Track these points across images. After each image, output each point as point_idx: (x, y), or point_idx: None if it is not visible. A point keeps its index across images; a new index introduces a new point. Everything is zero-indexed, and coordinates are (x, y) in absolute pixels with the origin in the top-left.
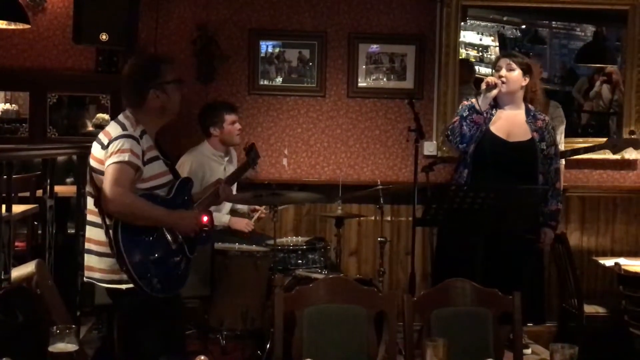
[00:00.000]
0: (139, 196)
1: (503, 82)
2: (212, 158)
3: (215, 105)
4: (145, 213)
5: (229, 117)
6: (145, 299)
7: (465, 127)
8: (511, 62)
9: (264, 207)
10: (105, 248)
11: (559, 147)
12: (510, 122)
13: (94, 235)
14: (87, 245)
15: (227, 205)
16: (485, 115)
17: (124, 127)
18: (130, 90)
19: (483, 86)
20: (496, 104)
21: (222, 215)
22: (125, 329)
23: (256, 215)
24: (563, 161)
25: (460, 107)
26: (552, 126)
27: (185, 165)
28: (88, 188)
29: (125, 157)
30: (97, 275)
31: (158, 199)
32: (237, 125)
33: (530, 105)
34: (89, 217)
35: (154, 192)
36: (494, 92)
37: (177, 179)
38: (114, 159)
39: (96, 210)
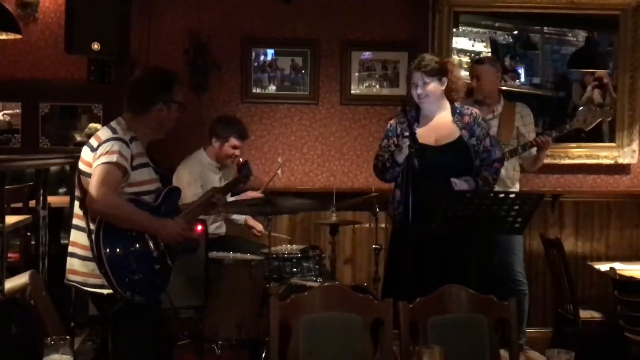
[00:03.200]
0: (125, 199)
1: (422, 99)
2: (208, 167)
3: (231, 122)
4: (130, 216)
5: (234, 141)
6: (126, 305)
7: (388, 175)
8: (424, 76)
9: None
10: (89, 252)
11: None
12: (436, 127)
13: (79, 239)
14: (71, 249)
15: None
16: (401, 134)
17: (114, 131)
18: (136, 96)
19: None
20: (418, 116)
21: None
22: (117, 340)
23: (254, 231)
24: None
25: (384, 135)
26: (482, 118)
27: (184, 175)
28: (76, 192)
29: (114, 158)
30: (79, 278)
31: (143, 204)
32: (237, 152)
33: (456, 104)
34: (75, 221)
35: (140, 197)
36: (405, 150)
37: (164, 187)
38: (102, 160)
39: (81, 213)
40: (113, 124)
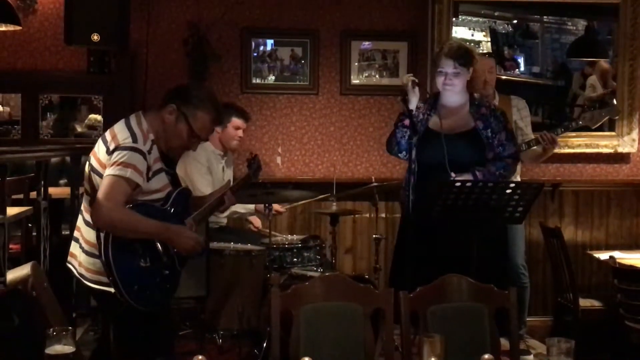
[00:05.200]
0: (131, 208)
1: (448, 87)
2: (212, 155)
3: (228, 104)
4: (136, 228)
5: (236, 121)
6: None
7: (398, 134)
8: (456, 65)
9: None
10: (95, 249)
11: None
12: (452, 116)
13: (86, 233)
14: (81, 242)
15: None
16: (417, 117)
17: (134, 139)
18: (168, 91)
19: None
20: (435, 104)
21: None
22: (118, 330)
23: (251, 227)
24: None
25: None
26: (500, 112)
27: (193, 165)
28: (85, 185)
29: (127, 172)
30: (84, 272)
31: (153, 208)
32: (240, 132)
33: (475, 94)
34: (83, 214)
35: (149, 202)
36: (411, 87)
37: (175, 189)
38: (115, 170)
39: (90, 208)
40: (134, 125)
